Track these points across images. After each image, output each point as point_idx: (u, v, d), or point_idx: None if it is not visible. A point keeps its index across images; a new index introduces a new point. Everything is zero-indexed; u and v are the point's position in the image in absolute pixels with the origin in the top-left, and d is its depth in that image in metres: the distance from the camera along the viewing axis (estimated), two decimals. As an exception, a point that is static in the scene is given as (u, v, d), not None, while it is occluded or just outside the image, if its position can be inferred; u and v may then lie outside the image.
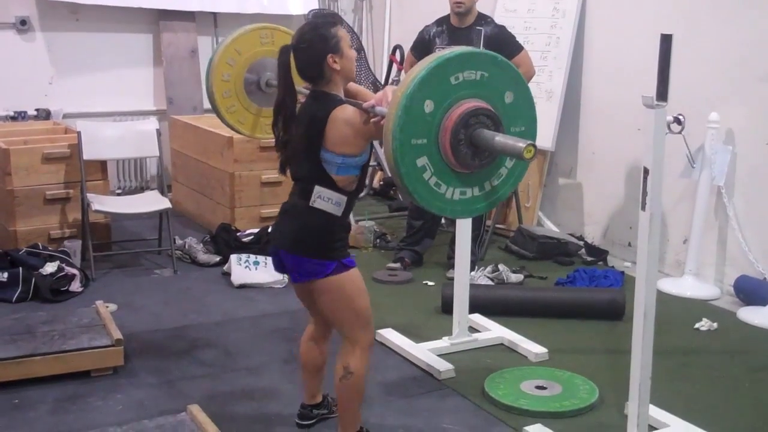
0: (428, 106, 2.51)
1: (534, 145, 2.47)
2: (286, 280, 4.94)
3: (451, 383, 3.79)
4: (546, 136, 6.12)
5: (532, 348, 4.10)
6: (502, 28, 5.24)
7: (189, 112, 7.21)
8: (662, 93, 2.88)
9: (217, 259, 5.47)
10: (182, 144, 6.63)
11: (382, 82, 7.31)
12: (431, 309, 4.71)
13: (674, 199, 5.26)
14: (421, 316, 4.63)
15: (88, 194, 5.26)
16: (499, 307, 4.60)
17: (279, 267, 3.10)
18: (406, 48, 5.70)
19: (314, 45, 2.87)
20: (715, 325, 4.54)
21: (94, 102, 7.04)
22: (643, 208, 2.97)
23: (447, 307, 4.44)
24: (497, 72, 2.63)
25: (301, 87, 3.05)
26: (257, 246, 5.49)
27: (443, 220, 5.94)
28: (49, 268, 4.79)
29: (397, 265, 5.41)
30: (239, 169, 5.93)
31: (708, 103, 4.98)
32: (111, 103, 7.13)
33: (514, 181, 2.82)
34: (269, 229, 2.98)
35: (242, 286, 5.05)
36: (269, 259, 4.67)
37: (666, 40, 2.88)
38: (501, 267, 5.24)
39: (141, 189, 7.19)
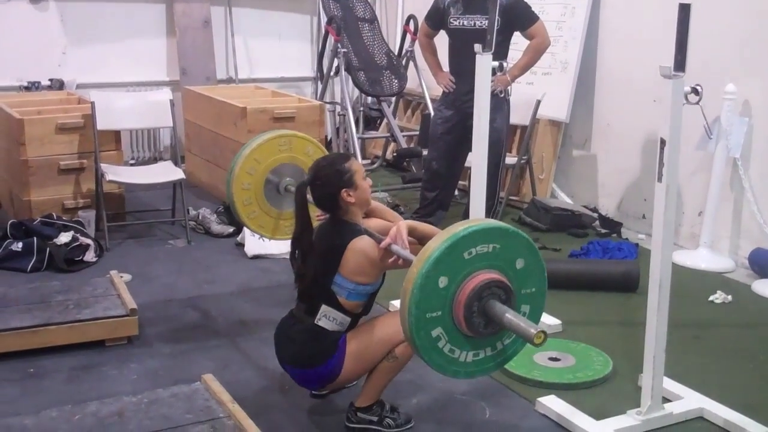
0: (442, 281, 2.53)
1: (544, 332, 2.46)
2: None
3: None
4: (560, 108, 6.09)
5: (546, 320, 4.08)
6: (518, -2, 5.18)
7: (202, 83, 7.21)
8: (680, 63, 2.86)
9: (231, 229, 5.48)
10: (195, 115, 6.62)
11: (396, 53, 7.27)
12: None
13: (689, 171, 5.22)
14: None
15: (101, 164, 5.27)
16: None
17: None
18: (420, 18, 5.65)
19: (329, 181, 3.00)
20: (729, 297, 4.53)
21: (107, 72, 7.06)
22: (660, 179, 2.95)
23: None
24: (508, 243, 2.62)
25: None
26: (271, 217, 5.49)
27: (456, 192, 5.93)
28: (64, 238, 4.81)
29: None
30: (253, 139, 5.91)
31: (724, 75, 4.93)
32: (124, 74, 7.14)
33: (524, 341, 2.76)
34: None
35: (256, 257, 5.07)
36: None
37: (684, 10, 2.85)
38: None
39: (154, 160, 7.21)
